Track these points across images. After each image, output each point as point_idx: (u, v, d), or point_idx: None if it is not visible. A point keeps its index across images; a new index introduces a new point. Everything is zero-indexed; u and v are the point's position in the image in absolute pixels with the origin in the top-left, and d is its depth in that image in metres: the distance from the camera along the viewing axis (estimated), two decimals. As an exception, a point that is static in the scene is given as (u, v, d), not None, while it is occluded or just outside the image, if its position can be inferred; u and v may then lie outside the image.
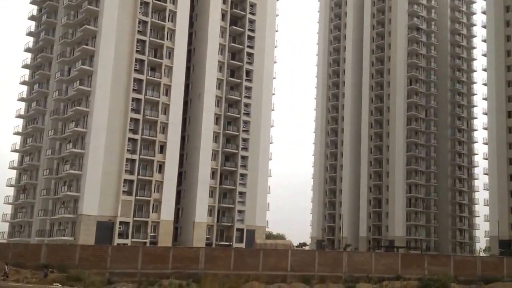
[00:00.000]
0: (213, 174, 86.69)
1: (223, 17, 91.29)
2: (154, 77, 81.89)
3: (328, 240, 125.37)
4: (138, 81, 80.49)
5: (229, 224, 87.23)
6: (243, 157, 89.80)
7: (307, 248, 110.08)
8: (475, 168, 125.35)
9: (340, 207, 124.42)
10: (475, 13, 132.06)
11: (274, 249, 57.11)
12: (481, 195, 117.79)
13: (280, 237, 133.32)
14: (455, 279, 49.62)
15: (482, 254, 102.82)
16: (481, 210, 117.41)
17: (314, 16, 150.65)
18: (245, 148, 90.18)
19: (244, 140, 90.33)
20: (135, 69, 79.95)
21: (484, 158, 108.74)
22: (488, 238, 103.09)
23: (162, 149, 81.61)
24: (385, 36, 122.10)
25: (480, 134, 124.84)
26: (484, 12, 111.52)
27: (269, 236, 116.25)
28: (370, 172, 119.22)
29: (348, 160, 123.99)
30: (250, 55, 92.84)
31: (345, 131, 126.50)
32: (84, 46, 79.53)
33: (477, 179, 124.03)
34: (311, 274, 49.30)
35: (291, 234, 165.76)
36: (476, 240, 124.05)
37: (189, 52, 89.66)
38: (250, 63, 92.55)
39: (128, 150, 78.05)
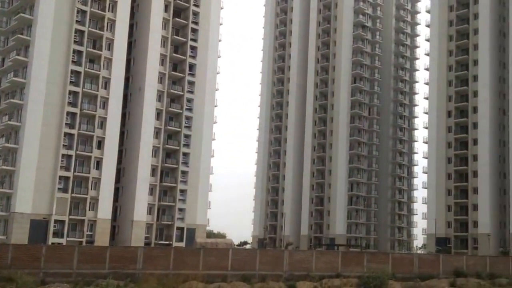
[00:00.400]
0: (153, 171, 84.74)
1: (166, 8, 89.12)
2: (93, 69, 79.34)
3: (270, 239, 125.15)
4: (76, 73, 77.77)
5: (169, 223, 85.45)
6: (185, 154, 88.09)
7: (248, 246, 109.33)
8: (415, 167, 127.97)
9: (283, 205, 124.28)
10: (419, 12, 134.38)
11: (214, 248, 56.40)
12: (420, 193, 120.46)
13: (221, 235, 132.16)
14: (393, 276, 49.68)
15: (419, 251, 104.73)
16: (420, 208, 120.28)
17: (260, 10, 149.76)
18: (187, 145, 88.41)
19: (186, 136, 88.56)
20: (72, 61, 77.13)
21: (424, 157, 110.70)
22: (426, 236, 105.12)
23: (100, 144, 79.22)
24: (331, 33, 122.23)
25: (421, 133, 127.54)
26: (428, 11, 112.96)
27: (210, 234, 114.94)
28: (313, 170, 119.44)
29: (291, 158, 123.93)
30: (193, 48, 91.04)
31: (289, 129, 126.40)
32: (19, 36, 76.46)
33: (417, 177, 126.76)
34: (252, 273, 48.35)
35: (233, 233, 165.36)
36: (414, 237, 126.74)
37: (130, 44, 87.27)
38: (193, 57, 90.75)
39: (64, 145, 75.34)
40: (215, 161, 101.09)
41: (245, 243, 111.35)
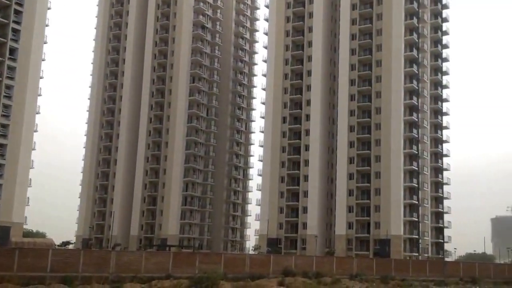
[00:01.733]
0: (-37, 163, 75.06)
1: (-15, -14, 79.76)
2: None
3: (96, 239, 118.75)
4: None
5: (-20, 221, 76.23)
6: (1, 145, 79.67)
7: (71, 247, 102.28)
8: (251, 169, 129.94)
9: (112, 204, 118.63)
10: (258, 19, 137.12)
11: (32, 248, 51.23)
12: (254, 195, 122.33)
13: (41, 235, 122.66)
14: (225, 276, 48.68)
15: (251, 252, 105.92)
16: (253, 209, 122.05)
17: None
18: (4, 135, 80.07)
19: (3, 126, 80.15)
20: None
21: (259, 160, 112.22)
22: (258, 237, 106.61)
23: None
24: (170, 29, 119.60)
25: (257, 137, 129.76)
26: (266, 20, 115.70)
27: (28, 234, 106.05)
28: (147, 169, 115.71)
29: (123, 155, 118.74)
30: (16, 31, 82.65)
31: (122, 124, 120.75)
32: None
33: (252, 179, 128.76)
34: (75, 275, 44.39)
35: (55, 232, 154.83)
36: (247, 238, 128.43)
37: None
38: (15, 41, 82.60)
39: None
40: (36, 154, 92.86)
41: (68, 243, 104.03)
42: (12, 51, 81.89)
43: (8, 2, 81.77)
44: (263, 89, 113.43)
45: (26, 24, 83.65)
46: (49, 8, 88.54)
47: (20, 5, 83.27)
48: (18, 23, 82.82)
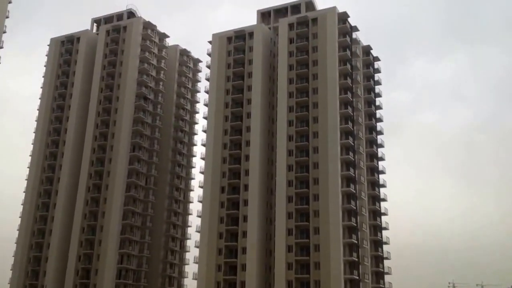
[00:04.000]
0: None
1: None
2: None
3: (31, 286, 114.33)
4: None
5: None
6: None
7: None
8: (188, 241, 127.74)
9: (48, 249, 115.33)
10: (199, 91, 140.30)
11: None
12: (191, 268, 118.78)
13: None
14: None
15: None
16: (190, 284, 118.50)
17: (41, 67, 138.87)
18: None
19: None
20: None
21: (197, 231, 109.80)
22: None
23: None
24: (113, 100, 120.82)
25: (195, 207, 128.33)
26: (206, 92, 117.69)
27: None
28: (82, 240, 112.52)
29: (58, 225, 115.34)
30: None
31: (60, 193, 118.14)
32: None
33: (189, 251, 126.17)
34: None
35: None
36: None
37: None
38: None
39: None
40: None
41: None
42: None
43: None
44: (202, 159, 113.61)
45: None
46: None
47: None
48: None
